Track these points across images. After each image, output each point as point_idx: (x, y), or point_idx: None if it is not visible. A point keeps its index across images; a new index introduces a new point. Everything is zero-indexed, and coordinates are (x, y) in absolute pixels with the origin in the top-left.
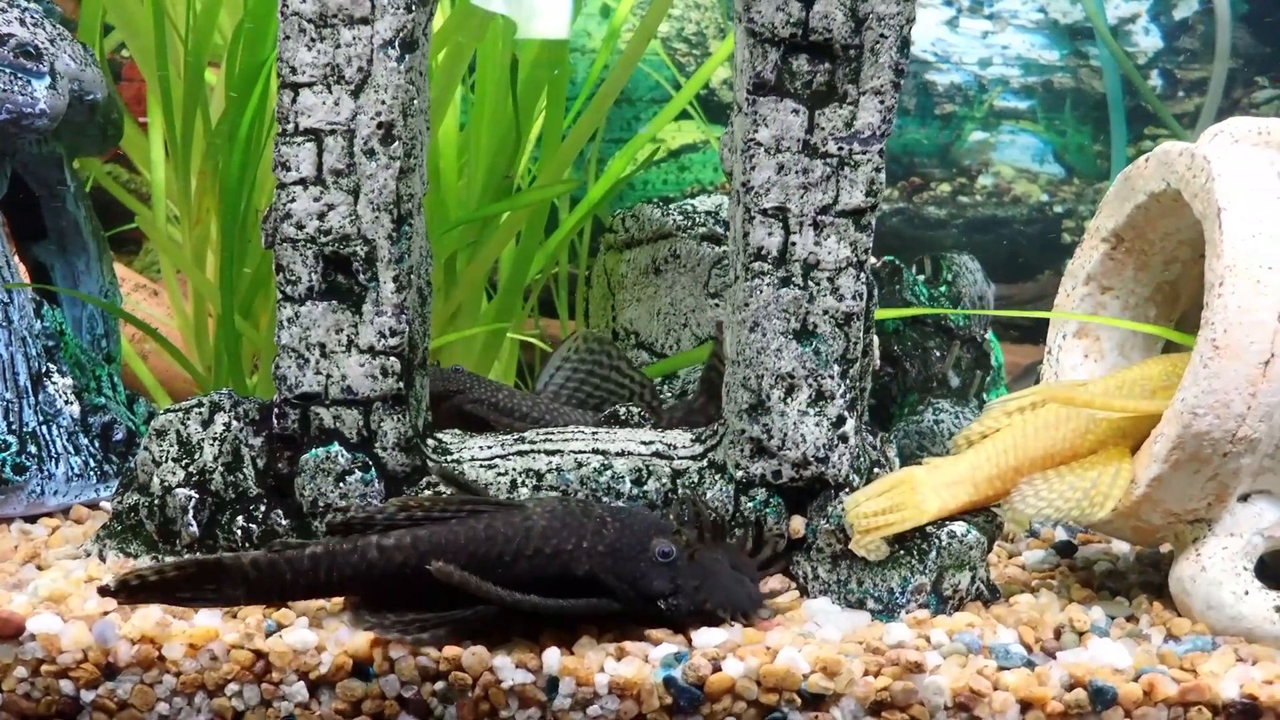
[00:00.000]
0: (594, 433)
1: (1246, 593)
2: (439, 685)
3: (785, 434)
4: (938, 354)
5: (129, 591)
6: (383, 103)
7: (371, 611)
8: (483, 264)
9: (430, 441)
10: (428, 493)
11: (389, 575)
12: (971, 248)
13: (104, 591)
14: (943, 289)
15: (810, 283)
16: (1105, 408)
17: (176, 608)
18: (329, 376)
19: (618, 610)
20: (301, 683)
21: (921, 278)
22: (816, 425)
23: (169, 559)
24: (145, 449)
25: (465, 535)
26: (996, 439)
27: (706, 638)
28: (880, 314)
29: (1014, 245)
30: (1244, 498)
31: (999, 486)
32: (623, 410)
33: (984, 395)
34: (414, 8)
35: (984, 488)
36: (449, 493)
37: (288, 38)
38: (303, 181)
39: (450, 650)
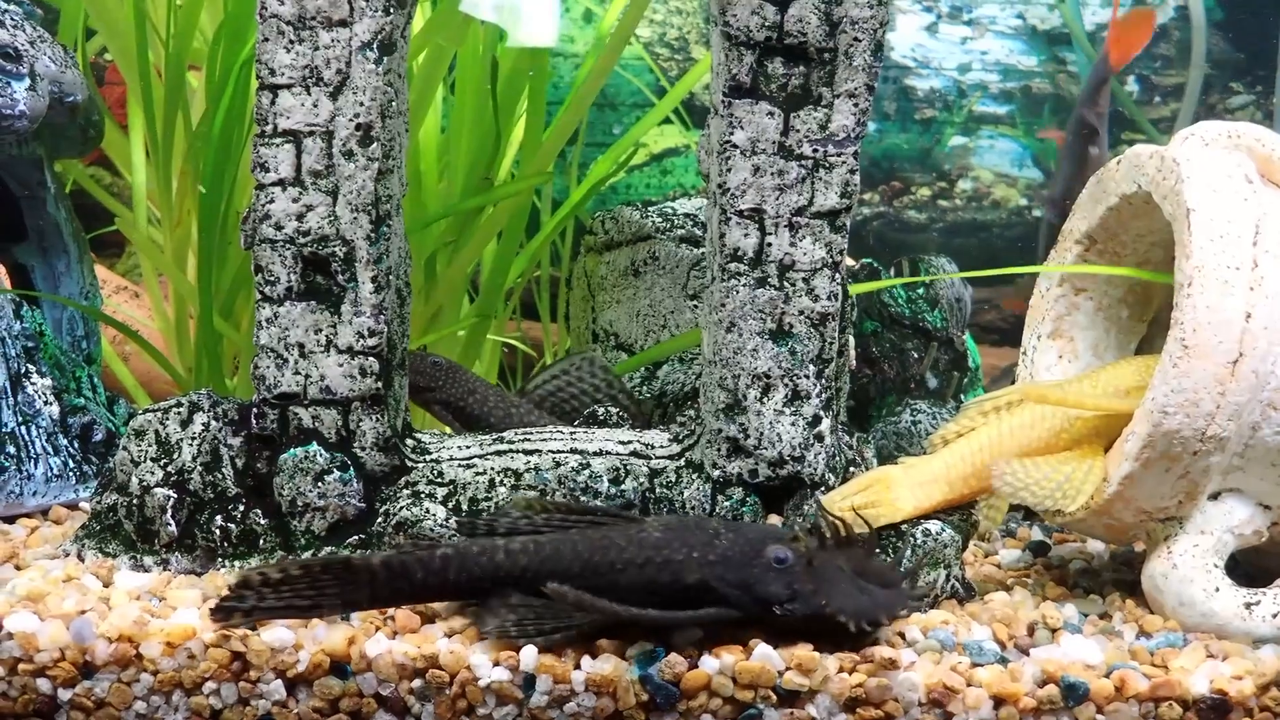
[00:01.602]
0: (572, 432)
1: (1217, 590)
2: (416, 683)
3: (761, 433)
4: (915, 355)
5: (245, 611)
6: (361, 104)
7: (491, 614)
8: (463, 265)
9: (409, 441)
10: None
11: (513, 579)
12: (951, 251)
13: (217, 613)
14: (920, 292)
15: (786, 283)
16: (1079, 405)
17: (293, 620)
18: (308, 377)
19: (735, 618)
20: (279, 681)
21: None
22: (792, 425)
23: (289, 558)
24: (124, 449)
25: (582, 543)
26: (972, 438)
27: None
28: (856, 287)
29: (993, 249)
30: (1214, 496)
31: (974, 485)
32: (600, 411)
33: (961, 396)
34: (392, 10)
35: (959, 486)
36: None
37: (266, 39)
38: (281, 183)
39: (427, 648)
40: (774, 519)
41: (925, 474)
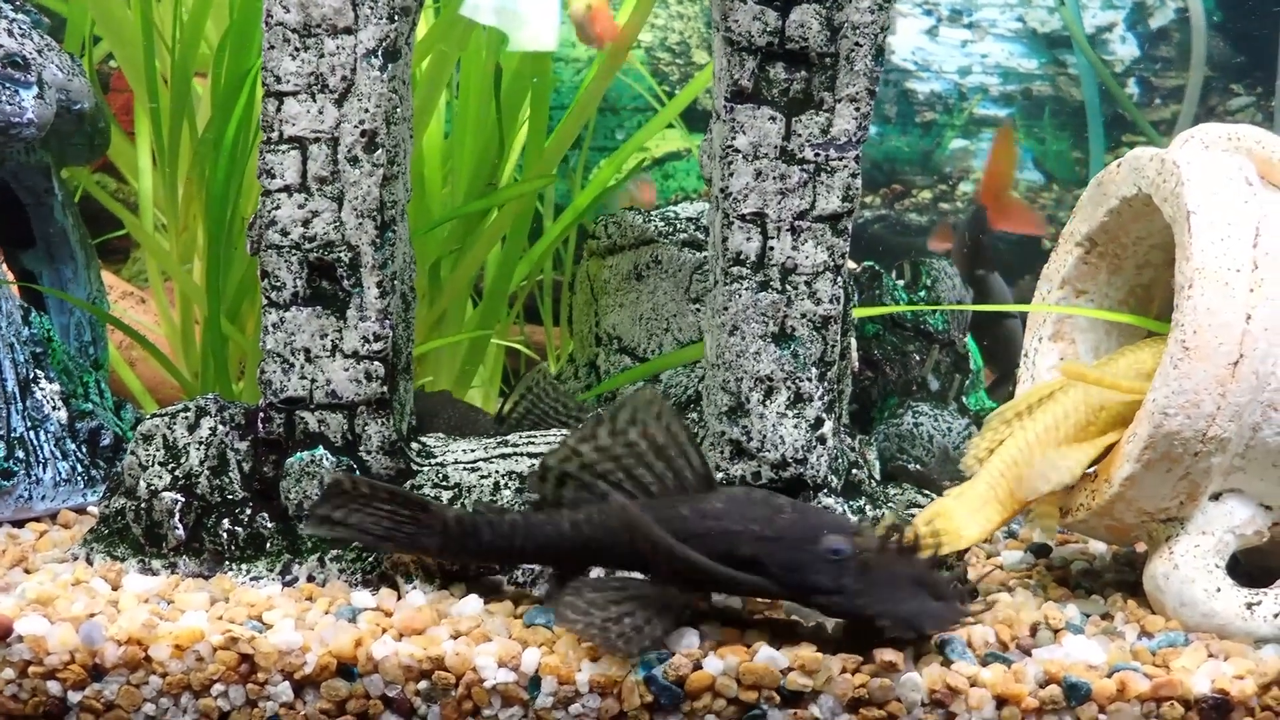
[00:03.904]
0: None
1: (1218, 590)
2: (423, 685)
3: (764, 436)
4: (917, 358)
5: (339, 493)
6: (366, 111)
7: (568, 590)
8: (467, 270)
9: (414, 445)
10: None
11: (577, 548)
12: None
13: (312, 521)
14: (921, 294)
15: (788, 287)
16: (1114, 387)
17: (367, 544)
18: (314, 381)
19: (778, 593)
20: (286, 683)
21: (901, 283)
22: (795, 427)
23: (378, 481)
24: (132, 453)
25: (645, 511)
26: (1003, 452)
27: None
28: (859, 311)
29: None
30: (1215, 496)
31: (1021, 498)
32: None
33: (963, 398)
34: (396, 18)
35: (1009, 502)
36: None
37: (272, 47)
38: (287, 189)
39: (433, 649)
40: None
41: (976, 500)
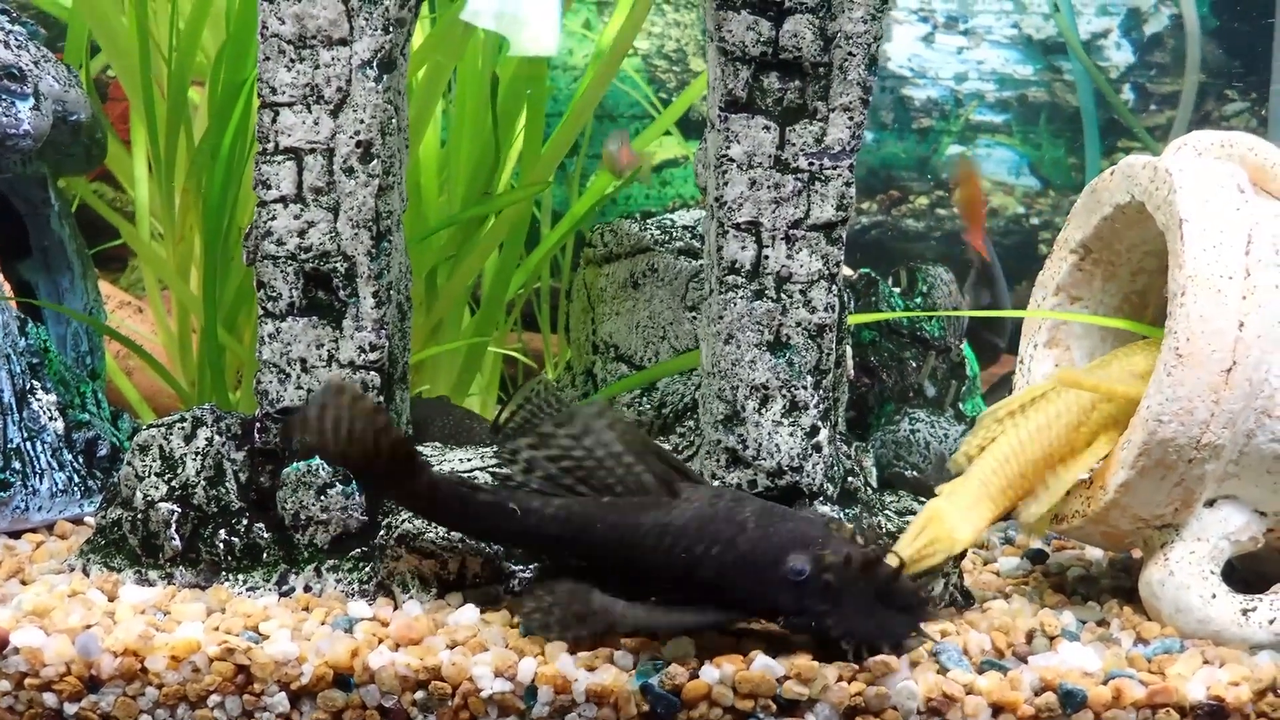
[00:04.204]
0: None
1: (1214, 596)
2: (419, 695)
3: (760, 444)
4: (914, 364)
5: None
6: (361, 122)
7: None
8: (463, 278)
9: None
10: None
11: (541, 542)
12: (949, 260)
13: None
14: (918, 300)
15: (783, 295)
16: (1109, 392)
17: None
18: (310, 391)
19: (740, 618)
20: (283, 693)
21: (897, 290)
22: (790, 435)
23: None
24: (128, 464)
25: (612, 521)
26: (995, 450)
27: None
28: (854, 318)
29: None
30: (1210, 503)
31: (1011, 496)
32: None
33: (960, 405)
34: (391, 29)
35: (1000, 500)
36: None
37: (267, 59)
38: (283, 199)
39: (430, 660)
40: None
41: (967, 498)
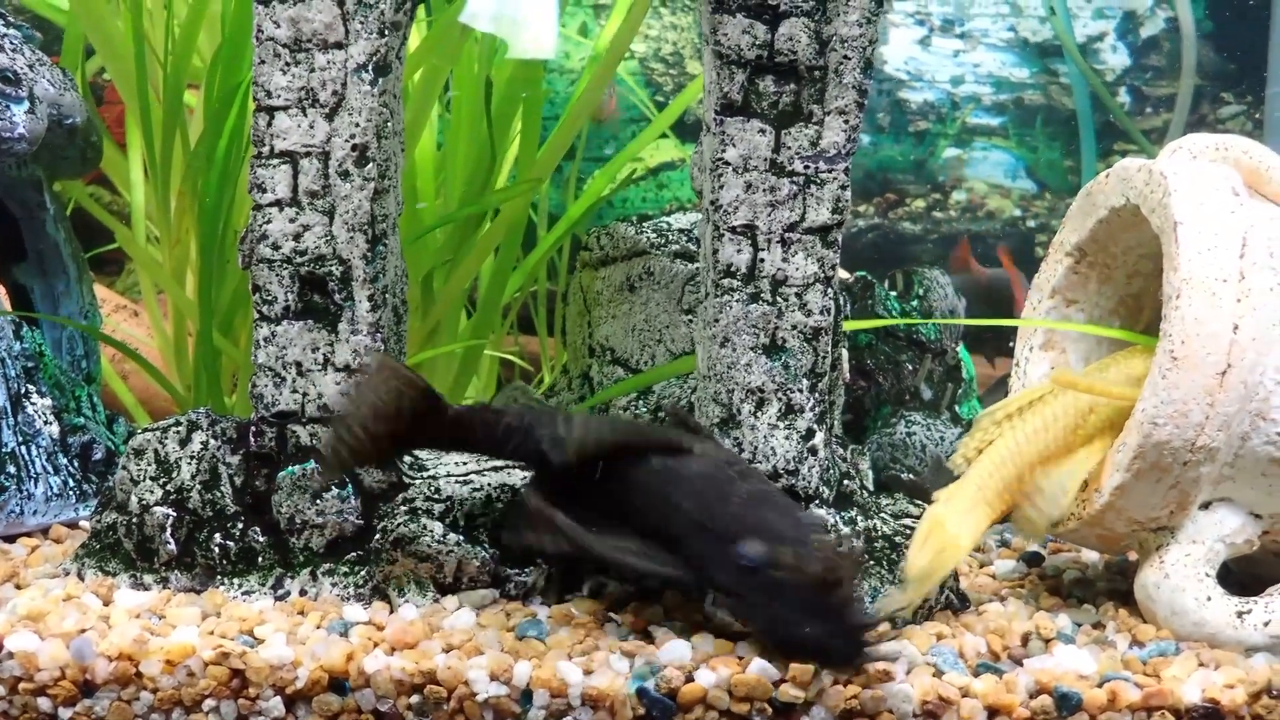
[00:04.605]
0: None
1: (1209, 599)
2: (414, 699)
3: (756, 447)
4: (910, 367)
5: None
6: (357, 125)
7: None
8: (460, 281)
9: (407, 458)
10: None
11: (559, 463)
12: (946, 263)
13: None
14: (914, 303)
15: (779, 298)
16: (1105, 394)
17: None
18: (305, 395)
19: (681, 582)
20: (278, 698)
21: (894, 293)
22: (786, 438)
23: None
24: (123, 468)
25: (625, 447)
26: (992, 453)
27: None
28: (849, 325)
29: (987, 259)
30: (1205, 505)
31: (1008, 499)
32: None
33: (956, 407)
34: (387, 32)
35: (997, 503)
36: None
37: (263, 62)
38: (278, 203)
39: (425, 663)
40: None
41: (965, 502)
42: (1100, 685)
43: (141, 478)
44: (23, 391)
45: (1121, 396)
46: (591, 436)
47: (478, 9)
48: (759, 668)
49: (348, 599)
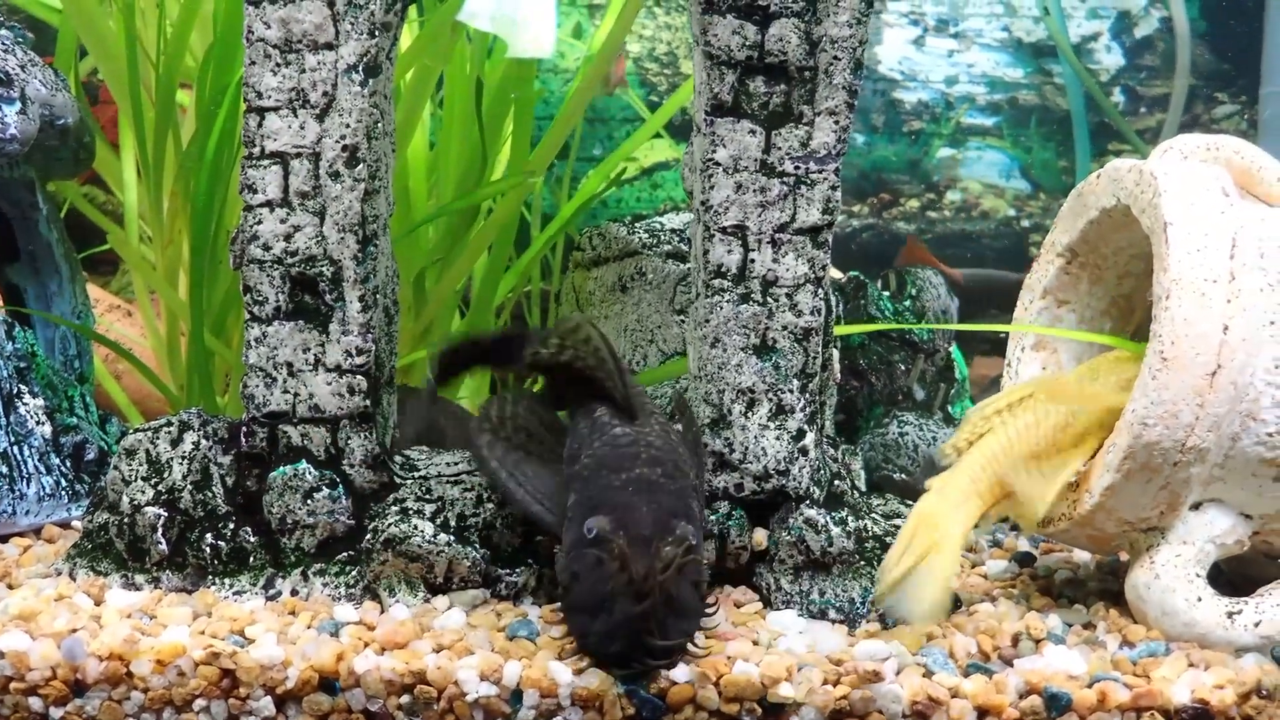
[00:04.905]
0: None
1: (1199, 599)
2: (405, 699)
3: (746, 448)
4: (902, 368)
5: None
6: (347, 126)
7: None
8: (452, 281)
9: (397, 458)
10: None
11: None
12: (940, 262)
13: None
14: (907, 303)
15: (769, 299)
16: (1093, 401)
17: None
18: (296, 395)
19: (552, 535)
20: (269, 697)
21: (886, 293)
22: (777, 439)
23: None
24: (115, 468)
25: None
26: (983, 447)
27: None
28: (841, 329)
29: (982, 259)
30: (1196, 506)
31: (999, 492)
32: None
33: (948, 407)
34: (377, 33)
35: (988, 496)
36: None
37: (253, 63)
38: (269, 204)
39: (415, 663)
40: (760, 533)
41: (956, 495)
42: (1090, 686)
43: (133, 478)
44: (15, 392)
45: (1109, 404)
46: (548, 352)
47: (477, 8)
48: (748, 668)
49: (339, 599)
